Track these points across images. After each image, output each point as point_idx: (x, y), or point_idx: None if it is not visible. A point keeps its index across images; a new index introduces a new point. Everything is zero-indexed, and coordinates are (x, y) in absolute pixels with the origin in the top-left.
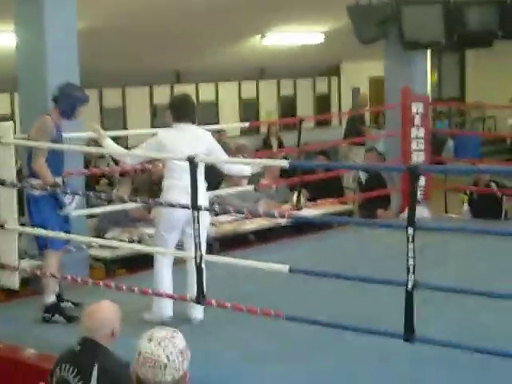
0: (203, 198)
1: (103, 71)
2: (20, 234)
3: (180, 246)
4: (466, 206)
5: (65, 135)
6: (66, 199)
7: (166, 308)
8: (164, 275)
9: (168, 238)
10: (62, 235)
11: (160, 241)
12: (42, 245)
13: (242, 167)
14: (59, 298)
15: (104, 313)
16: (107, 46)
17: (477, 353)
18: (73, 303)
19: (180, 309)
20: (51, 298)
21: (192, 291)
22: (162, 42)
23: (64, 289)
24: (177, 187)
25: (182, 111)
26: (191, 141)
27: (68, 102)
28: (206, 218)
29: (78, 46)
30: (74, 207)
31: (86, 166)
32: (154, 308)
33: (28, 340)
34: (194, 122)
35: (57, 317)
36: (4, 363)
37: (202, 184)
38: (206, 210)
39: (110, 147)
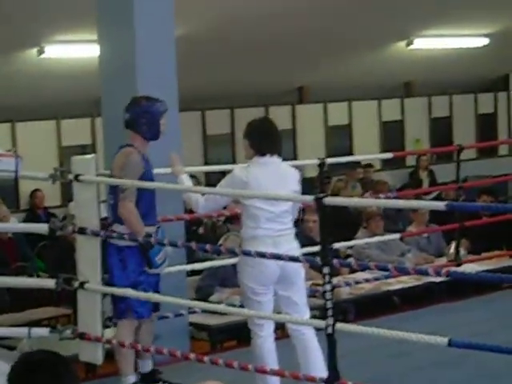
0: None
1: (206, 89)
2: (104, 297)
3: None
4: None
5: (157, 170)
6: (158, 258)
7: None
8: (268, 352)
9: (262, 301)
10: (156, 297)
11: (252, 308)
12: (123, 310)
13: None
14: (153, 377)
15: None
16: (211, 59)
17: None
18: None
19: None
20: (130, 380)
21: (307, 370)
22: (283, 53)
23: (159, 365)
24: (261, 238)
25: (266, 141)
26: (280, 180)
27: (147, 120)
28: (302, 275)
29: (177, 57)
30: (164, 268)
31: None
32: None
33: None
34: (280, 155)
35: None
36: None
37: (292, 233)
38: (342, 265)
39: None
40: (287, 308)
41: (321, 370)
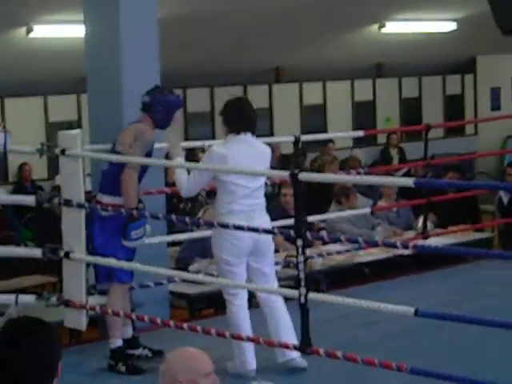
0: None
1: (188, 68)
2: (88, 266)
3: None
4: None
5: None
6: (135, 233)
7: (251, 361)
8: (243, 319)
9: (236, 272)
10: (138, 266)
11: (226, 278)
12: (104, 275)
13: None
14: (134, 342)
15: (192, 362)
16: (192, 39)
17: None
18: (151, 350)
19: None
20: (117, 343)
21: (278, 337)
22: (259, 33)
23: (140, 332)
24: (237, 213)
25: (243, 118)
26: (255, 157)
27: (163, 109)
28: (272, 247)
29: (159, 37)
30: (138, 243)
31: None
32: (235, 360)
33: None
34: (253, 133)
35: (120, 366)
36: None
37: (263, 207)
38: (315, 238)
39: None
40: (258, 278)
41: (290, 336)
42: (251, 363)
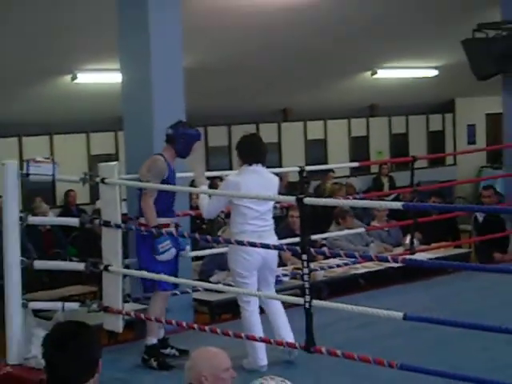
0: (276, 242)
1: (209, 109)
2: (124, 277)
3: None
4: None
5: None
6: (161, 246)
7: (263, 358)
8: (255, 323)
9: (249, 282)
10: (170, 278)
11: (242, 285)
12: (149, 286)
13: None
14: (164, 343)
15: (213, 360)
16: (213, 83)
17: None
18: (178, 350)
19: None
20: (153, 340)
21: (279, 332)
22: (270, 80)
23: (169, 334)
24: (249, 233)
25: (254, 152)
26: (265, 185)
27: (184, 141)
28: (276, 262)
29: (184, 82)
30: (167, 257)
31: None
32: (249, 358)
33: None
34: (264, 164)
35: (152, 361)
36: None
37: (272, 229)
38: (318, 253)
39: (201, 195)
40: (263, 287)
41: (288, 331)
42: (263, 359)
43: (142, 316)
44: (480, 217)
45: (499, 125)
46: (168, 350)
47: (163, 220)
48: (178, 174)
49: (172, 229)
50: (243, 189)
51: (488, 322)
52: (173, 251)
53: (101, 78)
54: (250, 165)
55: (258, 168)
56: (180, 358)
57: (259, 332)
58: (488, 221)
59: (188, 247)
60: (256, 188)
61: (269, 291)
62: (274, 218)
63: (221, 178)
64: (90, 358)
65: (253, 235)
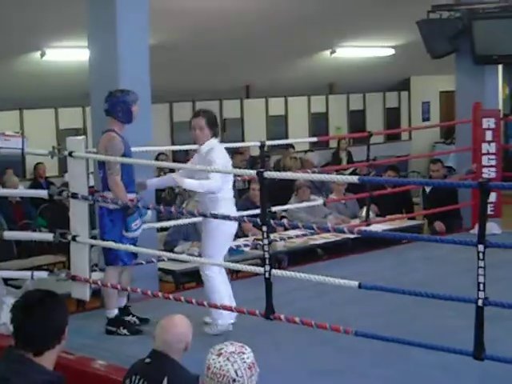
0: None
1: (173, 86)
2: (91, 247)
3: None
4: None
5: (134, 149)
6: (134, 224)
7: (230, 321)
8: (223, 290)
9: (224, 253)
10: (133, 248)
11: (217, 257)
12: (112, 259)
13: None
14: (126, 311)
15: (181, 328)
16: (178, 61)
17: None
18: (139, 318)
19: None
20: (113, 313)
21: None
22: (233, 58)
23: (134, 302)
24: (229, 200)
25: (218, 127)
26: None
27: (121, 109)
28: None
29: (150, 60)
30: (137, 234)
31: None
32: (218, 321)
33: (98, 351)
34: None
35: (121, 329)
36: (75, 374)
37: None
38: (277, 224)
39: (190, 185)
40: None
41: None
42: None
43: (109, 285)
44: (427, 188)
45: (452, 102)
46: (129, 318)
47: (130, 196)
48: (140, 148)
49: (139, 203)
50: (224, 160)
51: (437, 290)
52: (141, 227)
53: (69, 54)
54: (217, 137)
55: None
56: (140, 326)
57: (228, 294)
58: (435, 193)
59: (149, 212)
60: (227, 158)
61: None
62: (237, 190)
63: (187, 152)
64: (57, 325)
65: (232, 204)
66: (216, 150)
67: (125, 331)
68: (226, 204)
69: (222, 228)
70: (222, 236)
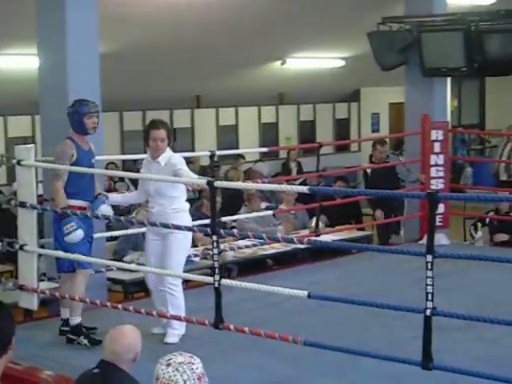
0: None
1: (124, 95)
2: (39, 256)
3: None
4: (479, 233)
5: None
6: (65, 229)
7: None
8: (183, 300)
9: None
10: (84, 258)
11: (182, 267)
12: (68, 266)
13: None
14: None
15: (130, 338)
16: (128, 70)
17: (496, 381)
18: (86, 328)
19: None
20: (78, 320)
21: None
22: (183, 67)
23: (83, 311)
24: (187, 211)
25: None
26: None
27: (74, 119)
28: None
29: (100, 69)
30: (73, 239)
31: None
32: (178, 331)
33: (46, 362)
34: None
35: (81, 339)
36: None
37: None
38: (227, 234)
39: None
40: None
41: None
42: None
43: (57, 294)
44: (369, 171)
45: (402, 114)
46: None
47: (74, 202)
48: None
49: (87, 212)
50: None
51: (386, 300)
52: (78, 233)
53: (18, 61)
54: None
55: None
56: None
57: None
58: (376, 175)
59: (103, 205)
60: None
61: None
62: (188, 200)
63: (135, 161)
64: (3, 334)
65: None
66: (176, 157)
67: (85, 341)
68: (186, 215)
69: (189, 239)
70: (188, 246)
